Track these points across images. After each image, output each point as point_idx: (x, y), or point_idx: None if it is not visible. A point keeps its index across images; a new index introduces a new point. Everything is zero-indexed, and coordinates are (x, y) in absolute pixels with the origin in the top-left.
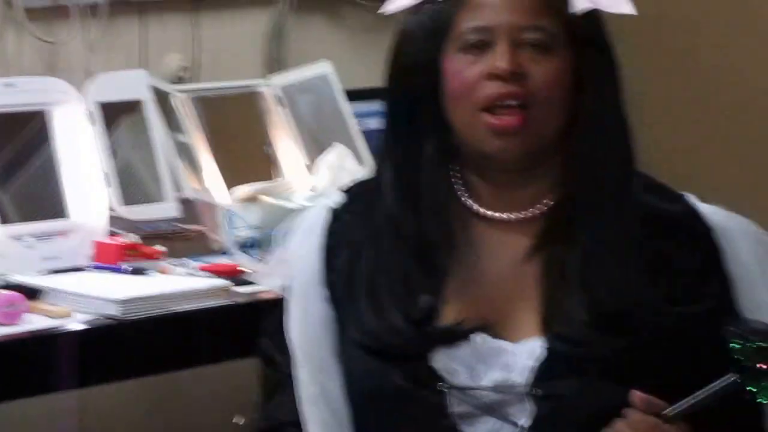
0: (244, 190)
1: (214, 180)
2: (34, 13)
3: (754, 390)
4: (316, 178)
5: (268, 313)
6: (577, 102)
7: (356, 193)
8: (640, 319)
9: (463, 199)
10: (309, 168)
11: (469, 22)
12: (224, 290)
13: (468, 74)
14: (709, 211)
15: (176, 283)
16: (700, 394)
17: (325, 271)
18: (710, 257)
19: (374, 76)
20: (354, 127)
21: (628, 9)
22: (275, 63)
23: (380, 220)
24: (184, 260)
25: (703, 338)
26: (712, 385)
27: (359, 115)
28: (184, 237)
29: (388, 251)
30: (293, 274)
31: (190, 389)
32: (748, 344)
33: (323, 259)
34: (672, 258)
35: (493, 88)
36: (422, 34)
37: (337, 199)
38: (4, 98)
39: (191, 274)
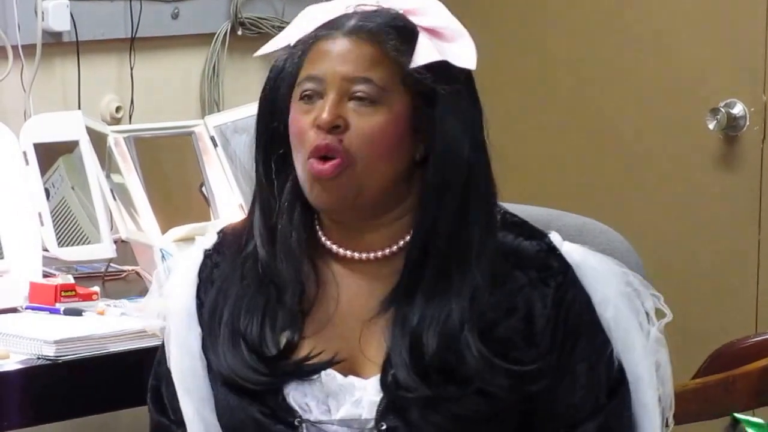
0: (179, 230)
1: (149, 221)
2: None
3: None
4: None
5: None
6: (426, 146)
7: (228, 233)
8: (466, 373)
9: (323, 239)
10: (244, 208)
11: (306, 71)
12: (159, 330)
13: (301, 122)
14: (570, 249)
15: (111, 323)
16: None
17: (196, 309)
18: (563, 297)
19: None
20: None
21: (470, 63)
22: (211, 103)
23: (247, 260)
24: (120, 301)
25: (537, 392)
26: None
27: None
28: (120, 278)
29: (251, 291)
30: (169, 311)
31: (125, 430)
32: None
33: (194, 296)
34: (522, 300)
35: (316, 139)
36: (275, 80)
37: (211, 239)
38: None
39: (127, 315)
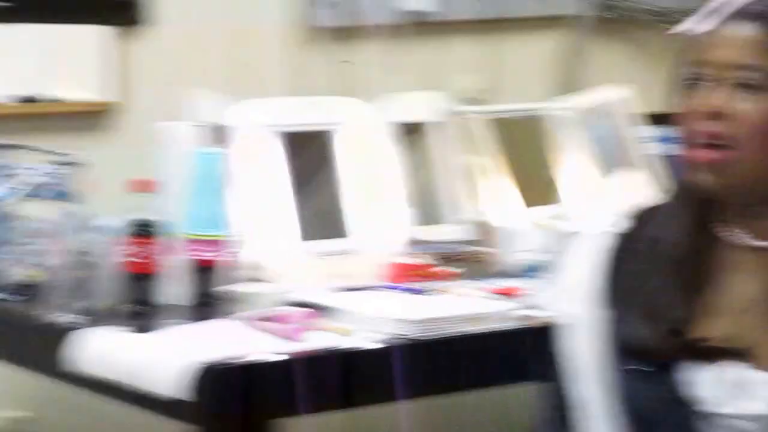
0: (535, 213)
1: (509, 202)
2: (334, 33)
3: None
4: (605, 203)
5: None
6: None
7: (641, 217)
8: None
9: (718, 227)
10: (598, 193)
11: (691, 56)
12: (513, 314)
13: (684, 108)
14: None
15: (466, 304)
16: None
17: (604, 291)
18: None
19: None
20: (649, 152)
21: None
22: (569, 85)
23: (660, 240)
24: (476, 282)
25: None
26: None
27: (659, 140)
28: (472, 259)
29: (652, 270)
30: (575, 298)
31: (465, 413)
32: None
33: (603, 278)
34: None
35: (694, 126)
36: (681, 63)
37: (621, 223)
38: (306, 116)
39: (479, 297)
